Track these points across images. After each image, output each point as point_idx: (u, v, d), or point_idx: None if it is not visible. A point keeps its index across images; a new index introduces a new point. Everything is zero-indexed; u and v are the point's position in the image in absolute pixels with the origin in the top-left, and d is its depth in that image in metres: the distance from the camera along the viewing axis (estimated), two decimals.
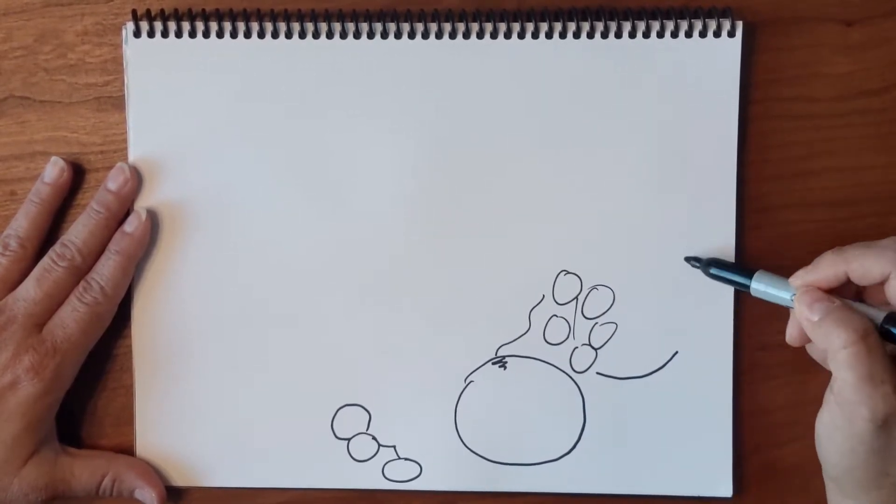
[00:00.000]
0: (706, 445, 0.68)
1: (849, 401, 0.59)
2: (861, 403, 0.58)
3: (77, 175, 0.68)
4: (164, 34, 0.66)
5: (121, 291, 0.66)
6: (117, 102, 0.67)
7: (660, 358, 0.68)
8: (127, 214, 0.67)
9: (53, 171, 0.67)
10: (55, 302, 0.65)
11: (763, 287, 0.64)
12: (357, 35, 0.66)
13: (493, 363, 0.68)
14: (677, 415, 0.68)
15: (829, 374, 0.61)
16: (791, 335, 0.64)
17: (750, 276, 0.64)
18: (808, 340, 0.63)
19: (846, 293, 0.62)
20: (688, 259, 0.67)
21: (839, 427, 0.60)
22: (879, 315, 0.61)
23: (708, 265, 0.66)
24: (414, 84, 0.67)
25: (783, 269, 0.68)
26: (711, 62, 0.66)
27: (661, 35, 0.66)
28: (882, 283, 0.61)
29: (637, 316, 0.68)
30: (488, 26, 0.66)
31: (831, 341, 0.59)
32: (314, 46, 0.66)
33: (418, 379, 0.68)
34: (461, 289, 0.68)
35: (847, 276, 0.61)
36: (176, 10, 0.66)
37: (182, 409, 0.68)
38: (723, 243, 0.67)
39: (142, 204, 0.67)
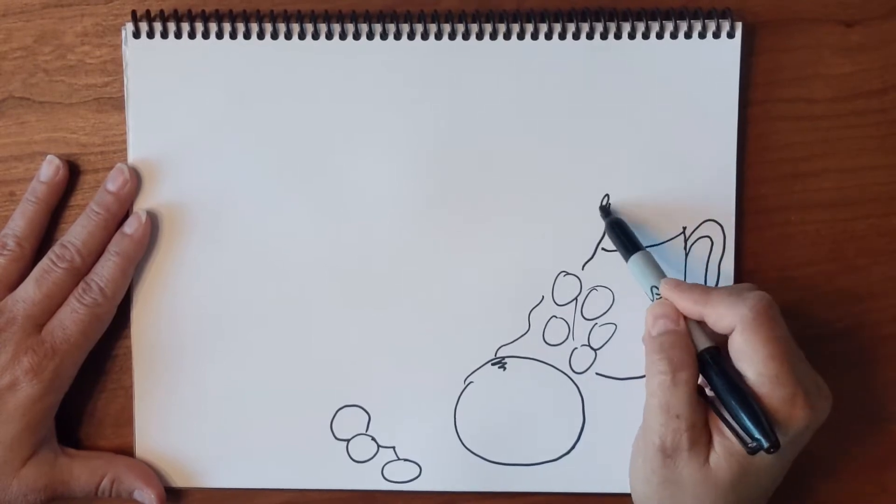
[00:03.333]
0: None
1: (647, 426, 0.61)
2: (654, 430, 0.60)
3: (76, 176, 0.68)
4: (164, 35, 0.66)
5: (120, 293, 0.66)
6: (117, 103, 0.67)
7: None
8: (126, 215, 0.67)
9: (49, 169, 0.67)
10: (54, 303, 0.65)
11: (635, 268, 0.64)
12: (357, 36, 0.66)
13: (493, 364, 0.68)
14: None
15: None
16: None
17: (633, 251, 0.65)
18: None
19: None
20: (601, 208, 0.67)
21: (641, 450, 0.62)
22: (710, 342, 0.61)
23: (611, 224, 0.66)
24: (414, 85, 0.67)
25: (783, 270, 0.68)
26: (711, 63, 0.66)
27: (660, 36, 0.66)
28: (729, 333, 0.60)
29: (636, 317, 0.67)
30: (488, 27, 0.66)
31: (650, 364, 0.61)
32: (314, 47, 0.66)
33: (418, 380, 0.68)
34: (461, 289, 0.68)
35: (703, 318, 0.61)
36: (175, 11, 0.66)
37: (181, 409, 0.68)
38: (722, 244, 0.67)
39: (141, 205, 0.67)
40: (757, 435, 0.57)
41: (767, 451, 0.56)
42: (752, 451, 0.57)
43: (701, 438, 0.59)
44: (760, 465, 0.59)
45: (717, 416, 0.59)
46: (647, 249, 0.65)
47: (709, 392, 0.60)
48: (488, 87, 0.67)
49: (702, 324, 0.61)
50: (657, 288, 0.63)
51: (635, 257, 0.64)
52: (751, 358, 0.58)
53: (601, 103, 0.67)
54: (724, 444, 0.59)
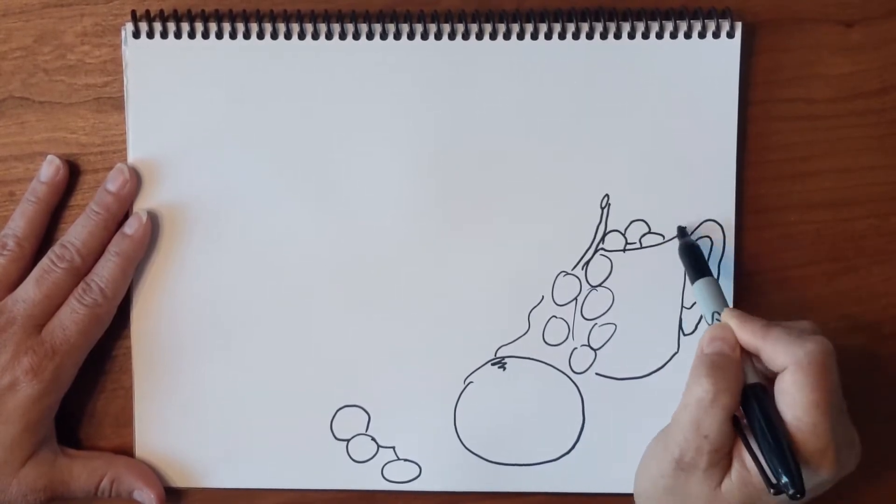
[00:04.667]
0: None
1: (671, 434, 0.60)
2: (677, 442, 0.59)
3: (76, 176, 0.68)
4: (164, 35, 0.66)
5: (120, 293, 0.66)
6: (116, 103, 0.67)
7: (659, 358, 0.68)
8: (126, 215, 0.67)
9: (49, 169, 0.67)
10: (54, 303, 0.65)
11: (701, 292, 0.64)
12: (357, 36, 0.66)
13: (493, 364, 0.68)
14: None
15: None
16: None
17: (700, 276, 0.64)
18: None
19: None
20: (680, 228, 0.67)
21: (656, 454, 0.61)
22: (760, 378, 0.60)
23: (685, 246, 0.66)
24: (414, 85, 0.67)
25: (783, 270, 0.68)
26: (711, 63, 0.66)
27: (660, 36, 0.66)
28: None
29: (636, 317, 0.68)
30: (488, 27, 0.66)
31: (694, 379, 0.59)
32: (314, 47, 0.66)
33: (418, 380, 0.68)
34: (461, 290, 0.68)
35: (759, 351, 0.60)
36: (175, 11, 0.66)
37: (181, 410, 0.68)
38: (722, 244, 0.67)
39: (141, 205, 0.67)
40: (785, 479, 0.56)
41: (792, 496, 0.56)
42: (777, 491, 0.56)
43: (721, 462, 0.59)
44: (771, 501, 0.59)
45: (747, 447, 0.58)
46: (714, 278, 0.65)
47: (744, 423, 0.59)
48: (488, 87, 0.67)
49: (755, 359, 0.60)
50: (718, 314, 0.62)
51: (702, 282, 0.64)
52: (795, 401, 0.57)
53: (601, 103, 0.67)
54: (742, 475, 0.58)
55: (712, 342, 0.61)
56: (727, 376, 0.59)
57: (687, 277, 0.66)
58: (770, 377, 0.60)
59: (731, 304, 0.67)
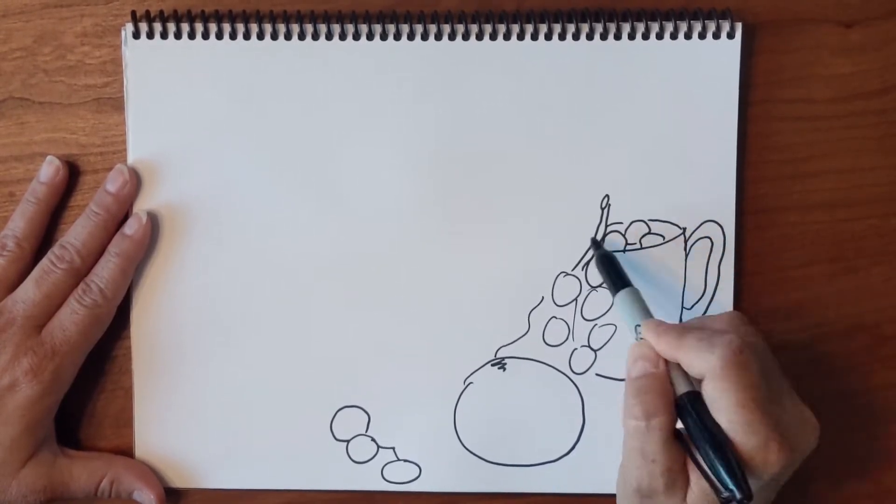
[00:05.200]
0: None
1: (624, 466, 0.61)
2: (630, 472, 0.60)
3: (76, 176, 0.68)
4: (164, 35, 0.66)
5: (120, 294, 0.66)
6: (116, 104, 0.67)
7: None
8: (126, 216, 0.67)
9: (49, 170, 0.67)
10: (54, 304, 0.65)
11: (622, 305, 0.63)
12: (357, 36, 0.66)
13: (493, 364, 0.68)
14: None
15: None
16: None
17: (621, 286, 0.64)
18: None
19: None
20: (592, 239, 0.67)
21: (620, 486, 0.62)
22: (690, 386, 0.60)
23: (600, 258, 0.65)
24: (414, 85, 0.67)
25: (783, 270, 0.68)
26: (711, 64, 0.66)
27: (660, 37, 0.66)
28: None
29: None
30: (488, 28, 0.66)
31: (626, 407, 0.60)
32: (314, 48, 0.66)
33: (418, 380, 0.68)
34: (460, 290, 0.68)
35: (678, 361, 0.60)
36: (175, 12, 0.66)
37: (181, 410, 0.68)
38: (722, 244, 0.67)
39: (141, 205, 0.67)
40: (731, 486, 0.56)
41: (740, 502, 0.56)
42: (726, 502, 0.56)
43: (678, 481, 0.59)
44: None
45: (692, 460, 0.58)
46: (635, 288, 0.64)
47: (683, 446, 0.59)
48: (488, 87, 0.67)
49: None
50: (640, 328, 0.62)
51: (622, 294, 0.64)
52: (721, 406, 0.57)
53: (601, 103, 0.67)
54: (701, 485, 0.58)
55: (635, 363, 0.61)
56: (656, 397, 0.59)
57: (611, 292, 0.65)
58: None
59: (729, 308, 0.67)
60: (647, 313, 0.63)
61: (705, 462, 0.57)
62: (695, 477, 0.59)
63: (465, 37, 0.66)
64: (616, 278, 0.64)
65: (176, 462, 0.68)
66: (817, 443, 0.60)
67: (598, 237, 0.67)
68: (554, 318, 0.68)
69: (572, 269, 0.68)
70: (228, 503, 0.69)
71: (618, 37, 0.66)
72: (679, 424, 0.59)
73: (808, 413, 0.61)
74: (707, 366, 0.58)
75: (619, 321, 0.67)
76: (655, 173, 0.67)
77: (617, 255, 0.67)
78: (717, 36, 0.66)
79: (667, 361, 0.60)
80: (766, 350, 0.61)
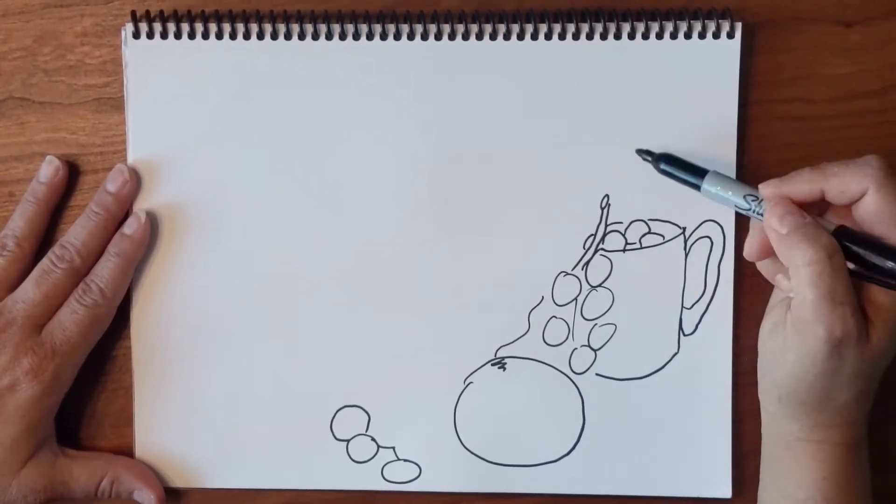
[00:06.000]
0: (705, 446, 0.68)
1: (805, 319, 0.59)
2: (818, 322, 0.58)
3: (76, 176, 0.68)
4: (164, 35, 0.66)
5: (120, 293, 0.66)
6: (116, 104, 0.67)
7: (659, 359, 0.68)
8: (126, 216, 0.67)
9: (48, 169, 0.67)
10: (54, 304, 0.65)
11: (715, 189, 0.63)
12: (356, 36, 0.66)
13: (493, 364, 0.68)
14: (677, 416, 0.68)
15: None
16: (751, 248, 0.64)
17: (702, 175, 0.64)
18: (767, 255, 0.63)
19: (809, 211, 0.62)
20: (639, 151, 0.66)
21: (791, 347, 0.60)
22: (832, 223, 0.61)
23: (658, 160, 0.65)
24: (414, 85, 0.67)
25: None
26: (710, 63, 0.66)
27: (660, 36, 0.66)
28: (851, 204, 0.60)
29: (636, 317, 0.68)
30: (488, 27, 0.66)
31: (795, 256, 0.59)
32: (314, 48, 0.66)
33: (418, 380, 0.68)
34: (461, 290, 0.68)
35: (822, 193, 0.60)
36: (175, 12, 0.66)
37: (181, 410, 0.68)
38: (722, 244, 0.67)
39: (141, 205, 0.67)
40: None
41: None
42: None
43: (863, 319, 0.59)
44: None
45: (870, 279, 0.59)
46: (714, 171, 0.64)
47: (864, 280, 0.60)
48: (488, 87, 0.67)
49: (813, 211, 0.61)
50: (752, 196, 0.62)
51: (710, 177, 0.63)
52: (892, 216, 0.59)
53: (601, 103, 0.67)
54: (882, 317, 0.59)
55: (784, 220, 0.60)
56: (825, 239, 0.59)
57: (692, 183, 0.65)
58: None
59: (730, 308, 0.67)
60: (742, 183, 0.63)
61: (884, 274, 0.58)
62: (873, 311, 0.59)
63: (465, 37, 0.66)
64: (692, 168, 0.64)
65: (176, 462, 0.68)
66: None
67: (598, 237, 0.67)
68: (554, 318, 0.68)
69: (572, 269, 0.68)
70: (228, 502, 0.69)
71: (618, 36, 0.66)
72: None
73: None
74: (869, 179, 0.59)
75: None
76: (655, 173, 0.67)
77: (616, 254, 0.67)
78: (716, 36, 0.66)
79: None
80: None
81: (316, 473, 0.69)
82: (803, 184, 0.61)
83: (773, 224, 0.61)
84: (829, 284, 0.58)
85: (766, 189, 0.62)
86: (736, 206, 0.63)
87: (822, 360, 0.59)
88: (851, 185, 0.59)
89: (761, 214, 0.62)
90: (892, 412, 0.69)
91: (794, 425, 0.62)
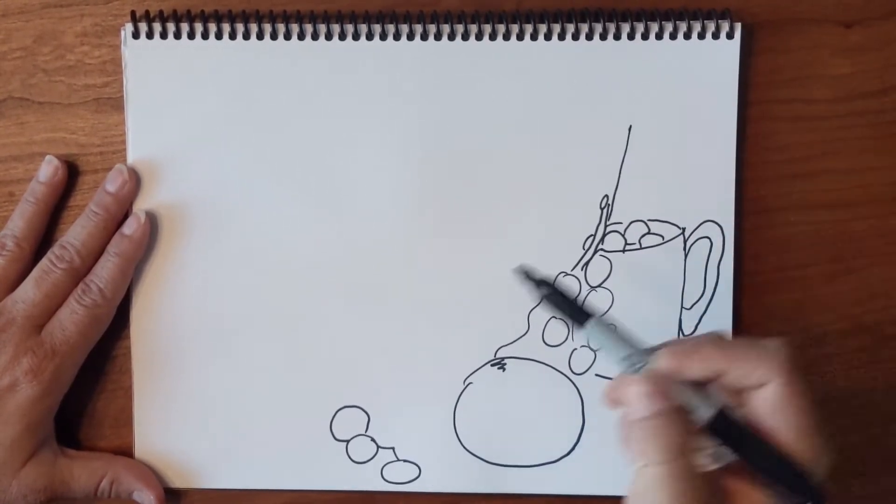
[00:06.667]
0: None
1: None
2: None
3: (75, 176, 0.68)
4: (164, 35, 0.66)
5: (120, 294, 0.66)
6: (116, 104, 0.67)
7: None
8: (126, 216, 0.67)
9: (48, 169, 0.67)
10: (54, 304, 0.65)
11: (598, 335, 0.56)
12: (356, 36, 0.66)
13: (492, 365, 0.68)
14: None
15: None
16: (611, 399, 0.56)
17: (588, 316, 0.56)
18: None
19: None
20: (519, 271, 0.58)
21: None
22: (716, 403, 0.54)
23: (548, 295, 0.57)
24: (413, 85, 0.67)
25: (783, 270, 0.68)
26: (710, 64, 0.66)
27: (659, 37, 0.66)
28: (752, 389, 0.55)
29: (636, 317, 0.68)
30: (487, 28, 0.66)
31: (641, 447, 0.53)
32: (313, 48, 0.66)
33: (417, 380, 0.68)
34: (460, 290, 0.68)
35: (719, 375, 0.54)
36: (175, 12, 0.66)
37: (181, 410, 0.68)
38: (722, 244, 0.67)
39: (140, 205, 0.67)
40: (802, 493, 0.53)
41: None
42: None
43: None
44: None
45: (752, 476, 0.54)
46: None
47: (714, 463, 0.55)
48: (488, 87, 0.67)
49: (697, 384, 0.55)
50: (634, 357, 0.55)
51: (594, 322, 0.56)
52: (796, 408, 0.54)
53: (601, 104, 0.67)
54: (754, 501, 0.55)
55: (642, 400, 0.53)
56: (676, 438, 0.53)
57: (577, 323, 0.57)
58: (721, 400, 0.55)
59: (729, 308, 0.67)
60: (634, 338, 0.56)
61: (766, 475, 0.54)
62: (741, 499, 0.55)
63: (465, 37, 0.66)
64: (577, 310, 0.56)
65: (176, 462, 0.68)
66: None
67: (598, 237, 0.67)
68: (554, 318, 0.68)
69: (572, 269, 0.68)
70: (228, 503, 0.69)
71: (617, 37, 0.66)
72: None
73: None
74: (775, 370, 0.54)
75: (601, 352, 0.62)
76: (655, 173, 0.67)
77: (616, 255, 0.67)
78: (716, 36, 0.66)
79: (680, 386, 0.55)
80: None
81: (316, 474, 0.69)
82: (703, 362, 0.54)
83: (630, 398, 0.54)
84: (679, 488, 0.52)
85: (667, 353, 0.55)
86: (614, 361, 0.56)
87: None
88: (753, 376, 0.54)
89: (638, 371, 0.55)
90: (889, 412, 0.69)
91: None
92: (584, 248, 0.68)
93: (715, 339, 0.56)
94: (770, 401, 0.54)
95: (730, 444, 0.54)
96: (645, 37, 0.66)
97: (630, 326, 0.67)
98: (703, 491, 0.53)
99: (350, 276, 0.68)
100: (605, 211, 0.67)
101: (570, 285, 0.64)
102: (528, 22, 0.66)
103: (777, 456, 0.54)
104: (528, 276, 0.57)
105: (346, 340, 0.68)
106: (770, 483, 0.54)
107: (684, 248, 0.68)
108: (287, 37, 0.66)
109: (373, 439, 0.68)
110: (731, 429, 0.54)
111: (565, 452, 0.68)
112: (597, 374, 0.68)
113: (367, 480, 0.69)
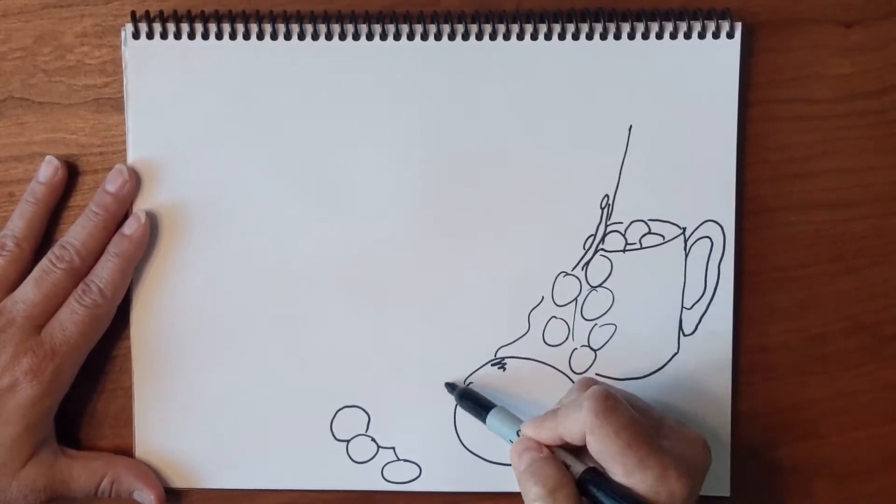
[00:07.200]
0: None
1: None
2: None
3: (75, 176, 0.68)
4: (164, 36, 0.66)
5: (120, 294, 0.66)
6: (116, 104, 0.67)
7: (659, 359, 0.68)
8: (126, 216, 0.67)
9: (48, 170, 0.67)
10: (54, 304, 0.65)
11: (495, 424, 0.65)
12: (356, 36, 0.66)
13: (493, 364, 0.68)
14: (676, 415, 0.68)
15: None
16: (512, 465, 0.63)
17: (487, 411, 0.65)
18: None
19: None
20: (448, 384, 0.68)
21: None
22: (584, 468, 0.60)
23: (460, 396, 0.67)
24: (413, 85, 0.67)
25: (783, 270, 0.68)
26: (710, 64, 0.66)
27: (660, 36, 0.66)
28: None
29: (636, 317, 0.68)
30: (487, 28, 0.66)
31: (526, 493, 0.59)
32: (313, 48, 0.66)
33: (418, 380, 0.68)
34: (460, 290, 0.68)
35: (562, 438, 0.60)
36: (175, 12, 0.66)
37: (181, 410, 0.68)
38: (722, 244, 0.67)
39: (141, 206, 0.67)
40: None
41: None
42: None
43: None
44: None
45: None
46: (500, 406, 0.65)
47: None
48: (488, 87, 0.67)
49: (572, 451, 0.61)
50: (520, 432, 0.63)
51: (493, 414, 0.65)
52: (610, 454, 0.58)
53: (601, 104, 0.67)
54: None
55: (521, 456, 0.61)
56: (553, 472, 0.59)
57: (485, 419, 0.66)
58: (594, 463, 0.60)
59: (730, 308, 0.67)
60: (518, 420, 0.64)
61: None
62: None
63: (465, 37, 0.66)
64: (481, 403, 0.66)
65: (176, 462, 0.68)
66: (711, 458, 0.61)
67: (598, 237, 0.67)
68: (554, 318, 0.68)
69: (572, 269, 0.68)
70: (228, 502, 0.69)
71: (617, 36, 0.66)
72: None
73: (691, 432, 0.62)
74: (583, 422, 0.58)
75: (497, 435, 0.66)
76: (655, 173, 0.67)
77: (616, 255, 0.67)
78: (716, 36, 0.66)
79: (553, 450, 0.61)
80: (625, 390, 0.63)
81: (316, 474, 0.69)
82: (546, 429, 0.61)
83: (513, 461, 0.62)
84: None
85: (525, 426, 0.62)
86: (510, 440, 0.63)
87: None
88: (574, 430, 0.59)
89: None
90: (889, 412, 0.69)
91: None
92: (584, 248, 0.68)
93: (552, 411, 0.62)
94: (592, 450, 0.59)
95: (591, 499, 0.59)
96: (645, 36, 0.66)
97: (631, 326, 0.67)
98: None
99: (350, 276, 0.68)
100: (605, 211, 0.67)
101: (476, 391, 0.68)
102: (528, 22, 0.66)
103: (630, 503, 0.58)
104: (448, 384, 0.68)
105: (347, 340, 0.68)
106: None
107: (685, 248, 0.68)
108: (287, 37, 0.66)
109: (373, 439, 0.69)
110: (592, 485, 0.59)
111: None
112: (597, 374, 0.68)
113: (368, 480, 0.69)
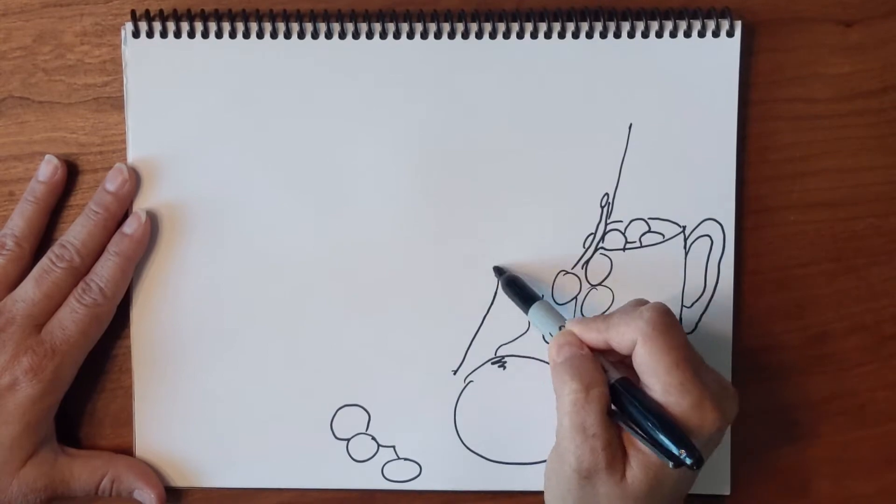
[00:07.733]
0: None
1: (562, 447, 0.60)
2: (569, 452, 0.59)
3: (75, 175, 0.68)
4: (163, 35, 0.66)
5: (120, 293, 0.66)
6: (116, 103, 0.67)
7: None
8: (126, 215, 0.67)
9: (47, 169, 0.67)
10: (54, 303, 0.65)
11: (537, 316, 0.65)
12: (356, 35, 0.66)
13: (493, 363, 0.68)
14: None
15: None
16: (550, 356, 0.64)
17: (531, 302, 0.65)
18: None
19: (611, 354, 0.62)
20: (496, 267, 0.67)
21: (555, 471, 0.61)
22: (617, 374, 0.61)
23: (505, 282, 0.67)
24: (413, 84, 0.67)
25: (783, 270, 0.68)
26: (710, 62, 0.66)
27: (659, 35, 0.66)
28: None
29: None
30: (487, 26, 0.66)
31: (558, 384, 0.60)
32: (313, 46, 0.66)
33: (417, 379, 0.68)
34: (460, 289, 0.68)
35: (609, 343, 0.61)
36: (175, 11, 0.66)
37: (181, 409, 0.68)
38: (722, 243, 0.67)
39: (140, 204, 0.67)
40: (678, 454, 0.56)
41: (691, 467, 0.56)
42: (677, 465, 0.57)
43: (617, 455, 0.59)
44: (676, 473, 0.59)
45: (636, 434, 0.58)
46: (545, 300, 0.65)
47: (622, 423, 0.59)
48: (488, 86, 0.67)
49: (609, 356, 0.62)
50: (561, 327, 0.63)
51: (536, 306, 0.65)
52: (654, 369, 0.58)
53: (601, 102, 0.67)
54: (640, 458, 0.59)
55: (561, 349, 0.62)
56: (590, 371, 0.60)
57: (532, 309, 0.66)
58: (628, 364, 0.61)
59: (730, 307, 0.67)
60: (563, 318, 0.64)
61: (650, 436, 0.58)
62: (633, 451, 0.59)
63: (465, 36, 0.66)
64: (525, 295, 0.66)
65: (176, 461, 0.68)
66: (738, 409, 0.62)
67: (598, 236, 0.67)
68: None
69: (572, 268, 0.68)
70: (228, 502, 0.69)
71: (617, 35, 0.66)
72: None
73: (724, 380, 0.62)
74: (637, 331, 0.59)
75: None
76: (655, 172, 0.67)
77: (616, 253, 0.67)
78: (716, 34, 0.66)
79: (593, 352, 0.62)
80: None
81: (316, 473, 0.69)
82: (594, 331, 0.62)
83: (551, 353, 0.62)
84: (582, 416, 0.59)
85: (570, 324, 0.63)
86: (547, 335, 0.64)
87: (575, 488, 0.60)
88: (626, 337, 0.60)
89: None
90: (889, 412, 0.69)
91: None
92: (584, 247, 0.68)
93: (603, 315, 0.63)
94: (639, 360, 0.59)
95: (622, 409, 0.59)
96: (645, 35, 0.66)
97: None
98: (606, 428, 0.59)
99: (350, 275, 0.68)
100: (605, 209, 0.67)
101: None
102: (529, 20, 0.66)
103: (658, 418, 0.58)
104: (496, 268, 0.67)
105: (347, 339, 0.68)
106: (652, 444, 0.58)
107: (685, 247, 0.68)
108: (287, 36, 0.66)
109: (373, 438, 0.69)
110: (624, 393, 0.59)
111: None
112: None
113: (368, 479, 0.69)
